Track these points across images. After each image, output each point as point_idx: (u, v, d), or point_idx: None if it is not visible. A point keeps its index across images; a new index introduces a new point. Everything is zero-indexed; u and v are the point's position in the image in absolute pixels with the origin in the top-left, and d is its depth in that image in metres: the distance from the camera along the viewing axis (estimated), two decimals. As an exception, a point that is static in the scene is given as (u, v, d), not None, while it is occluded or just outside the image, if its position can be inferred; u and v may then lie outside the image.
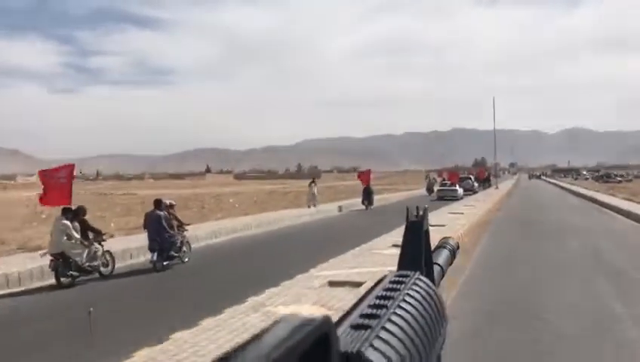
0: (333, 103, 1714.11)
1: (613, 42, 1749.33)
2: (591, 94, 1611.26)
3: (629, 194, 37.41)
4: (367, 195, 30.88)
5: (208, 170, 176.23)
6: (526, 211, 28.03)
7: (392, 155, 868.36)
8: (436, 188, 45.52)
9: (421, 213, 0.80)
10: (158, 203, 12.69)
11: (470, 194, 43.18)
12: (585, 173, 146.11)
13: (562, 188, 61.36)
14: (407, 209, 0.79)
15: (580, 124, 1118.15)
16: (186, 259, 12.74)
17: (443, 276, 0.89)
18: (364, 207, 30.29)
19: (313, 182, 30.57)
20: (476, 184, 51.82)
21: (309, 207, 27.97)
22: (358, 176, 36.58)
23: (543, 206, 32.09)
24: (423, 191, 49.22)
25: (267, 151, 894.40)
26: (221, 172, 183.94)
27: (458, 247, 1.03)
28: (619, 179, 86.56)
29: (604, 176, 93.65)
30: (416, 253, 0.77)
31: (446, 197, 37.54)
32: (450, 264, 0.97)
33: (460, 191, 40.81)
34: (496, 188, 53.93)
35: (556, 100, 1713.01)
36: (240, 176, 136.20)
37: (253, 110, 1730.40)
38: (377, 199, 33.69)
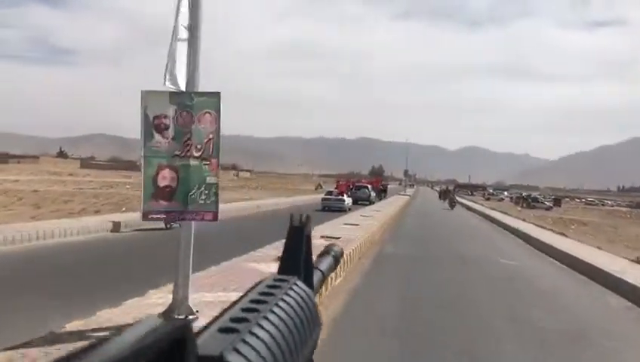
0: (239, 99, 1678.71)
1: (509, 68, 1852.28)
2: (487, 115, 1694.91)
3: None
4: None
5: (62, 154, 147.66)
6: None
7: (293, 159, 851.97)
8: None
9: (304, 219, 0.78)
10: None
11: (367, 205, 39.20)
12: (492, 191, 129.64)
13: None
14: (291, 215, 0.78)
15: (477, 143, 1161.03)
16: None
17: (323, 281, 0.88)
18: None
19: None
20: (373, 193, 46.48)
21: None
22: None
23: None
24: (271, 201, 35.96)
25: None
26: (62, 156, 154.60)
27: (342, 254, 1.00)
28: (548, 204, 69.69)
29: (527, 198, 74.10)
30: (296, 258, 0.76)
31: (332, 208, 32.50)
32: (334, 270, 0.95)
33: (348, 201, 34.86)
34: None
35: (456, 118, 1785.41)
36: (87, 165, 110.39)
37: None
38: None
